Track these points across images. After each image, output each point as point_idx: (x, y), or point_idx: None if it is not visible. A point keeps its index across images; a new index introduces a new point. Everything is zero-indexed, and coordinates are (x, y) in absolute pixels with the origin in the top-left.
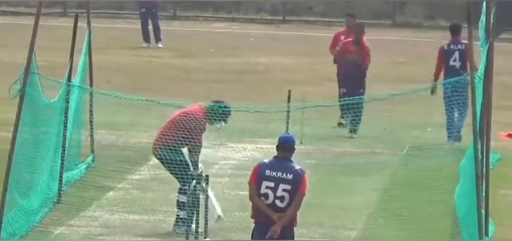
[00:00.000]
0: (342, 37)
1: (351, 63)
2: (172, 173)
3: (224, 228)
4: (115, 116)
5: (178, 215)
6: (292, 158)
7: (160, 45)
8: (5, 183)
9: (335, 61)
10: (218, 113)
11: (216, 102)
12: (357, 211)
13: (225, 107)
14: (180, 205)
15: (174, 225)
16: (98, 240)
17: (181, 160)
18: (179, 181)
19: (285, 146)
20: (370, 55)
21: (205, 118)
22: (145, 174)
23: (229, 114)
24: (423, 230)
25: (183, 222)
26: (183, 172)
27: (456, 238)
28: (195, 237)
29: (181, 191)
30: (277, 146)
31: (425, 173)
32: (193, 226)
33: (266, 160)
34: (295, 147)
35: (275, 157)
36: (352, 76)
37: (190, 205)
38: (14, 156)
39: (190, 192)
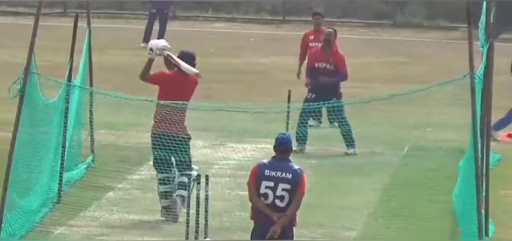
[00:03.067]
0: (311, 37)
1: (321, 73)
2: (178, 158)
3: (224, 228)
4: (115, 116)
5: (181, 196)
6: (290, 158)
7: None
8: (5, 183)
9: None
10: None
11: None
12: (357, 211)
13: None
14: (184, 186)
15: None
16: (98, 240)
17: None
18: (184, 166)
19: (283, 146)
20: (346, 65)
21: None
22: (145, 174)
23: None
24: (423, 230)
25: (183, 199)
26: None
27: (456, 237)
28: (195, 237)
29: (187, 175)
30: (274, 147)
31: (425, 173)
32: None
33: (265, 161)
34: (294, 147)
35: (273, 157)
36: (322, 85)
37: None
38: (14, 156)
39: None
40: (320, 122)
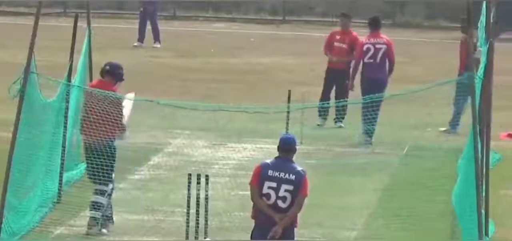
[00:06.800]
0: (338, 37)
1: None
2: (94, 171)
3: (224, 228)
4: None
5: (93, 218)
6: (293, 159)
7: (157, 45)
8: (5, 183)
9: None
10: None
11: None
12: (357, 211)
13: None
14: (99, 207)
15: (89, 227)
16: (98, 240)
17: (113, 157)
18: (101, 181)
19: (287, 147)
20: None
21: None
22: (145, 174)
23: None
24: (423, 230)
25: (97, 221)
26: (108, 171)
27: (456, 237)
28: (195, 237)
29: (100, 192)
30: (278, 147)
31: (425, 173)
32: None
33: (268, 161)
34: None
35: (276, 157)
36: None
37: (109, 204)
38: (14, 156)
39: (109, 193)
40: (325, 120)
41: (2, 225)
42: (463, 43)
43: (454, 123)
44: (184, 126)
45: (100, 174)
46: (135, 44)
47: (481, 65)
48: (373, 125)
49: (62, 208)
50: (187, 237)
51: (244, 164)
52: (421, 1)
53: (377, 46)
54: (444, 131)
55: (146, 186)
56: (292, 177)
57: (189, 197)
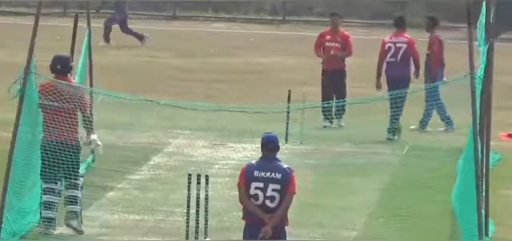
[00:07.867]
0: (328, 37)
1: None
2: (66, 166)
3: (224, 228)
4: (115, 116)
5: (73, 211)
6: (278, 157)
7: (146, 41)
8: (5, 183)
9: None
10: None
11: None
12: (357, 211)
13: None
14: (75, 200)
15: (69, 220)
16: (98, 240)
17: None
18: (71, 175)
19: (271, 145)
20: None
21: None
22: (145, 174)
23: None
24: (423, 230)
25: (77, 215)
26: (76, 164)
27: (456, 237)
28: (195, 237)
29: (74, 186)
30: (261, 146)
31: (425, 173)
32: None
33: (253, 161)
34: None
35: (261, 157)
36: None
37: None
38: (14, 156)
39: (81, 186)
40: (332, 122)
41: (2, 225)
42: (433, 41)
43: (449, 122)
44: (184, 126)
45: (70, 169)
46: (143, 43)
47: (482, 65)
48: (395, 121)
49: (62, 208)
50: (187, 237)
51: (243, 164)
52: (421, 1)
53: (398, 45)
54: (443, 131)
55: (146, 186)
56: (278, 176)
57: (189, 197)
